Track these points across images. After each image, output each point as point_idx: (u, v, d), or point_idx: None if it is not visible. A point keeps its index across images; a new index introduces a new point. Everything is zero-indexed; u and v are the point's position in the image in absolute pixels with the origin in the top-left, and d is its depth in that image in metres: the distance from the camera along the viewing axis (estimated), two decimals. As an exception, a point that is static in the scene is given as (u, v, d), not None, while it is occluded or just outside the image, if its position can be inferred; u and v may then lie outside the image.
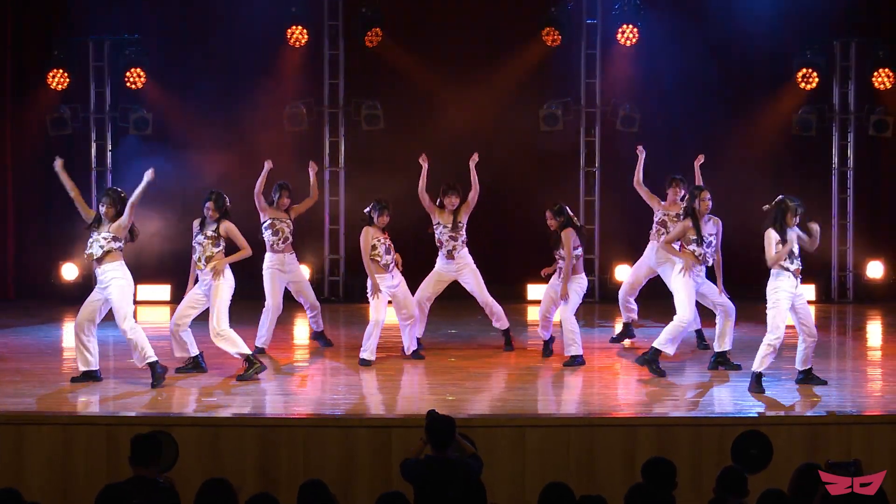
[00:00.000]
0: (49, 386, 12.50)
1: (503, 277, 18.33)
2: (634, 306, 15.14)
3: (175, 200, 19.26)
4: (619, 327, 15.69)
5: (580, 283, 13.73)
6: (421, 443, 8.78)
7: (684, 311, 12.98)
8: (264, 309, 14.53)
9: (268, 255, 14.59)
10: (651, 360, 12.96)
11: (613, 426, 10.82)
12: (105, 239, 12.60)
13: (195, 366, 13.22)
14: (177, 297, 18.86)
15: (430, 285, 14.45)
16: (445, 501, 8.38)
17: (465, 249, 14.42)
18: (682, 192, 14.62)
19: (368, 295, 13.73)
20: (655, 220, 14.83)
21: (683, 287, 13.09)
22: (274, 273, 14.53)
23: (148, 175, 12.72)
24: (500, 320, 14.60)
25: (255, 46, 19.40)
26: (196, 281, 13.24)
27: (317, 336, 14.98)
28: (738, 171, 19.67)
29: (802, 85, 19.03)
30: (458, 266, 14.40)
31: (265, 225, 14.63)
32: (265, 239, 14.60)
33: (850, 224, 19.61)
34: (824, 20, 19.12)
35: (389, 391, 12.55)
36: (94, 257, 12.58)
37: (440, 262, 14.46)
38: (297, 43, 18.96)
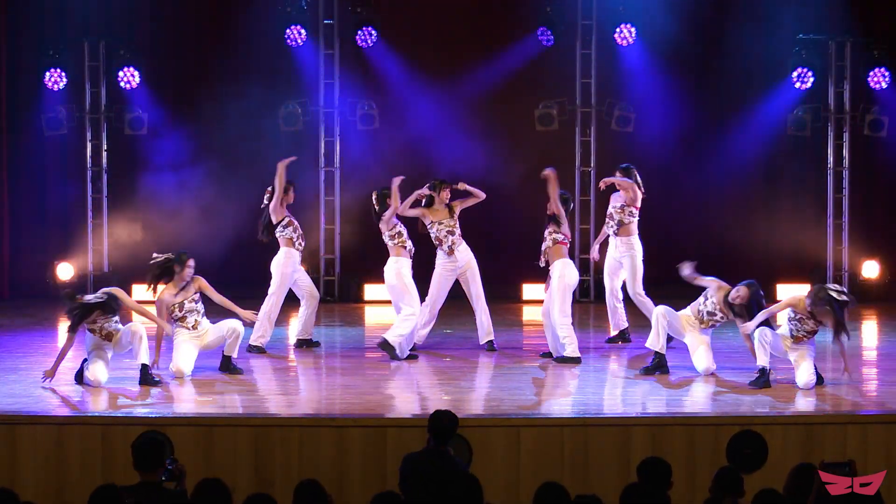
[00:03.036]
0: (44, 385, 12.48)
1: (498, 277, 18.31)
2: (622, 312, 15.20)
3: (169, 201, 19.27)
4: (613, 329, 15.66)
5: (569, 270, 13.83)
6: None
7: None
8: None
9: (293, 253, 14.70)
10: (655, 367, 12.97)
11: (608, 426, 10.81)
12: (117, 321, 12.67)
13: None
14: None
15: (438, 286, 14.46)
16: (444, 495, 8.44)
17: (464, 243, 14.45)
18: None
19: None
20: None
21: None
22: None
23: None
24: (487, 332, 14.67)
25: (251, 46, 19.39)
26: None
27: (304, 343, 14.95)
28: (732, 171, 19.71)
29: (797, 84, 19.04)
30: (463, 259, 14.41)
31: (283, 223, 14.64)
32: (286, 236, 14.68)
33: (846, 224, 19.61)
34: (819, 19, 19.11)
35: (384, 391, 12.54)
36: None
37: (442, 260, 14.43)
38: (295, 43, 18.95)
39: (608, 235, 15.20)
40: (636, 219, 15.07)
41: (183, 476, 7.75)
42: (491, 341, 14.61)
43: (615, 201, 15.11)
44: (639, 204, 15.04)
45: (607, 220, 15.14)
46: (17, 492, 7.50)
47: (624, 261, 15.05)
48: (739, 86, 19.69)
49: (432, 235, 14.36)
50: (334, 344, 15.27)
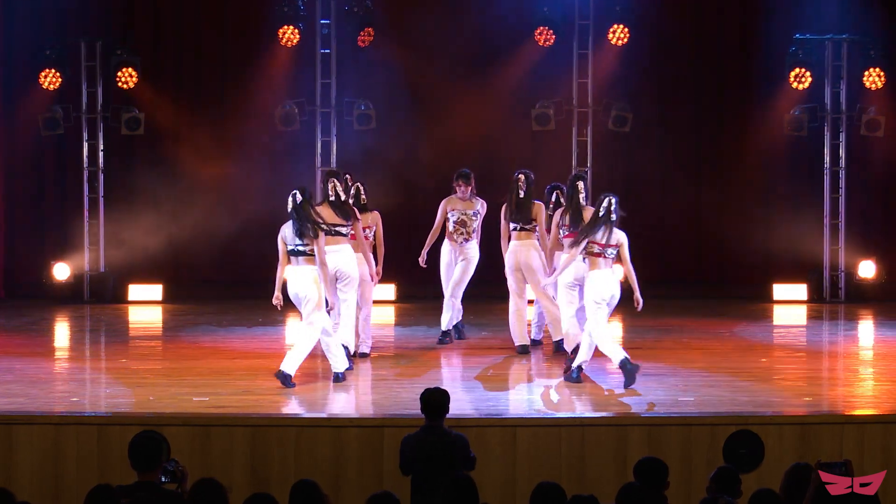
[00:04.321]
0: (40, 385, 12.47)
1: (494, 277, 18.30)
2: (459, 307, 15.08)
3: (166, 201, 19.26)
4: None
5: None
6: None
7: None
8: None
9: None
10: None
11: (604, 426, 10.81)
12: None
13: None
14: (168, 297, 18.87)
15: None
16: (438, 472, 8.77)
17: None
18: (470, 188, 14.55)
19: None
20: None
21: None
22: None
23: None
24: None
25: (247, 46, 19.39)
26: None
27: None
28: (730, 171, 19.70)
29: (795, 84, 19.01)
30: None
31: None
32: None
33: (842, 224, 19.59)
34: (816, 19, 19.09)
35: (381, 391, 12.53)
36: None
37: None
38: (289, 42, 18.93)
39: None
40: None
41: (185, 478, 7.75)
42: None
43: (467, 208, 14.61)
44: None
45: (457, 226, 14.61)
46: (13, 492, 7.49)
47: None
48: (736, 85, 19.70)
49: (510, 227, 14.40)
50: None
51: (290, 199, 12.30)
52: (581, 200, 13.13)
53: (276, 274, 12.47)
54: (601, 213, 12.47)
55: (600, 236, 12.40)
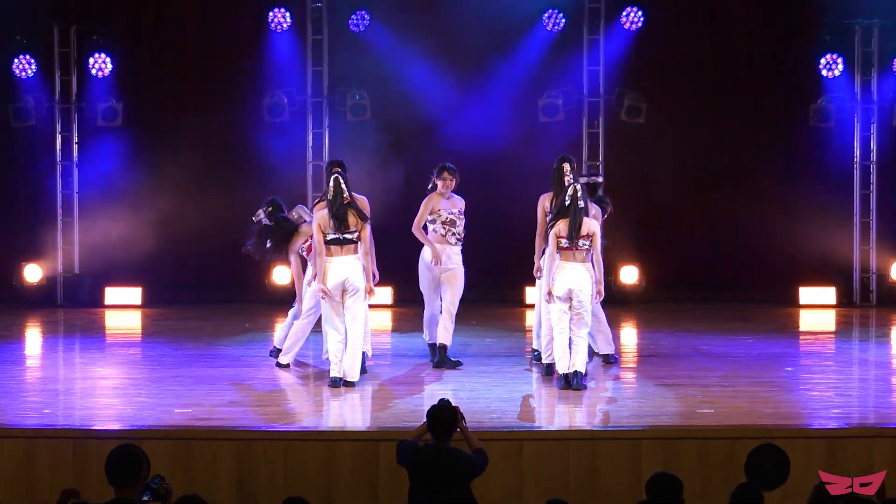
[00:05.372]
0: (11, 396, 12.48)
1: (500, 279, 18.33)
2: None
3: (146, 197, 19.26)
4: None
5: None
6: (424, 426, 9.22)
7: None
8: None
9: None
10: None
11: (616, 439, 10.82)
12: None
13: None
14: (148, 301, 18.88)
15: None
16: (436, 490, 8.81)
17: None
18: (455, 181, 14.01)
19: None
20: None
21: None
22: None
23: None
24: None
25: (233, 31, 19.39)
26: None
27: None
28: (751, 165, 19.69)
29: (825, 72, 19.03)
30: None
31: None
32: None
33: (874, 222, 19.61)
34: (844, 1, 19.07)
35: (377, 403, 12.55)
36: None
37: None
38: (279, 27, 18.96)
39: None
40: None
41: (169, 496, 7.75)
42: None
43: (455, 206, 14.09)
44: None
45: (447, 227, 14.02)
46: (-18, 509, 7.52)
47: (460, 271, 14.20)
48: (758, 72, 19.67)
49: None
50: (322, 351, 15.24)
51: (332, 182, 12.68)
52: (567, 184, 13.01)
53: (315, 265, 12.95)
54: (566, 203, 12.59)
55: (566, 228, 12.53)
